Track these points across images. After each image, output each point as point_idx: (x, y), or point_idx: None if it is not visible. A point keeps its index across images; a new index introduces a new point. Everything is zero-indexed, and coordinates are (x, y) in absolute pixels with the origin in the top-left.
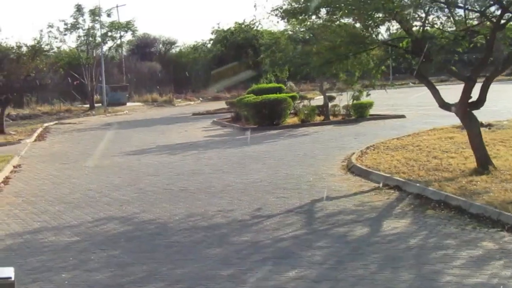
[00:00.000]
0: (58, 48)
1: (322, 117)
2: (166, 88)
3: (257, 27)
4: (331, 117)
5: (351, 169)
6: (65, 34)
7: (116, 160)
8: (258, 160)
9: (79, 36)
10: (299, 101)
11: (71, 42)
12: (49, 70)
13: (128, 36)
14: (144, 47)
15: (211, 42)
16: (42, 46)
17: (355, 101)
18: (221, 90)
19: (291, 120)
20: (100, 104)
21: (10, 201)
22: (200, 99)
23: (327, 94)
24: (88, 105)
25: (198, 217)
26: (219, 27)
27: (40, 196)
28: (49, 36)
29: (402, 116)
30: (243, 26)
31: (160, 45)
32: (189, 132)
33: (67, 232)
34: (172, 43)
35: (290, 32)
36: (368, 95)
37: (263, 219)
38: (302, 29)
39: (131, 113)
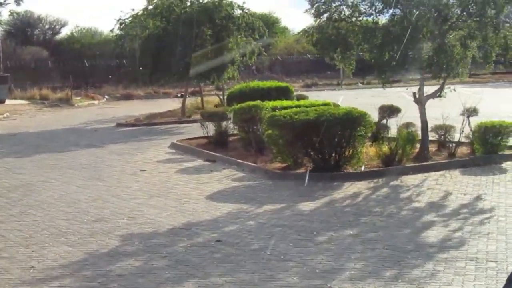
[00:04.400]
0: None
1: (413, 151)
2: (56, 81)
3: None
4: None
5: None
6: None
7: None
8: None
9: None
10: None
11: None
12: None
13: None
14: (24, 29)
15: (145, 14)
16: None
17: (480, 123)
18: (161, 85)
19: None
20: None
21: None
22: (106, 97)
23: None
24: None
25: None
26: None
27: None
28: None
29: None
30: None
31: (47, 26)
32: (151, 175)
33: None
34: (62, 25)
35: None
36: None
37: None
38: None
39: (15, 117)
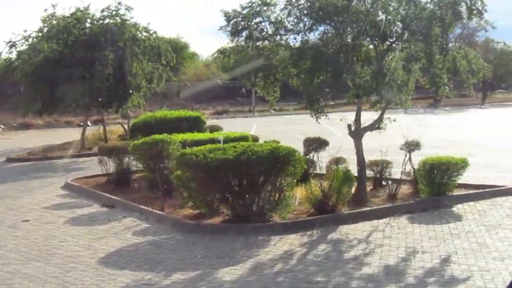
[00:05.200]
0: None
1: (348, 191)
2: None
3: (120, 14)
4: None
5: None
6: None
7: None
8: None
9: None
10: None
11: None
12: None
13: None
14: None
15: (40, 36)
16: None
17: (425, 159)
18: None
19: None
20: None
21: None
22: (1, 126)
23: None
24: None
25: None
26: (54, 14)
27: None
28: None
29: None
30: (93, 13)
31: None
32: (34, 227)
33: None
34: None
35: None
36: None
37: None
38: None
39: None
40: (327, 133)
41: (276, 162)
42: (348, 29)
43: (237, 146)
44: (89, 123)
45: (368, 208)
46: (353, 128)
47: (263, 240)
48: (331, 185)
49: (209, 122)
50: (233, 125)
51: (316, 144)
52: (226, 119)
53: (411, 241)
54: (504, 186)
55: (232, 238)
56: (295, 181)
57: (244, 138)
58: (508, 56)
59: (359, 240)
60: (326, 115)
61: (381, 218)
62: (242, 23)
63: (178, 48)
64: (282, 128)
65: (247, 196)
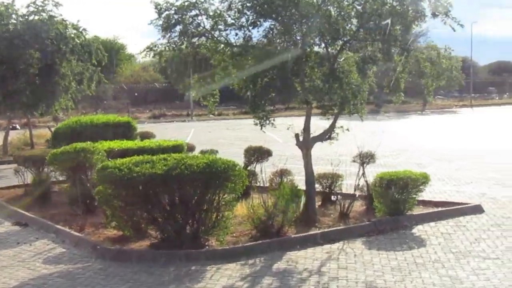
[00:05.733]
0: None
1: (295, 211)
2: None
3: (47, 10)
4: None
5: None
6: None
7: None
8: None
9: None
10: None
11: None
12: None
13: None
14: None
15: None
16: None
17: (382, 174)
18: None
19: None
20: None
21: None
22: None
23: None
24: None
25: None
26: None
27: None
28: None
29: (479, 209)
30: (18, 8)
31: None
32: None
33: None
34: None
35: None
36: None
37: None
38: None
39: None
40: (268, 140)
41: (213, 178)
42: (297, 26)
43: (168, 158)
44: (18, 126)
45: (318, 231)
46: (301, 138)
47: (197, 271)
48: (276, 203)
49: (146, 127)
50: (169, 131)
51: (258, 154)
52: (163, 122)
53: (371, 273)
54: (466, 204)
55: (161, 268)
56: (236, 199)
57: (178, 148)
58: (449, 62)
59: (310, 272)
60: (272, 124)
61: (333, 242)
62: (176, 16)
63: (114, 50)
64: (220, 133)
65: (179, 216)
